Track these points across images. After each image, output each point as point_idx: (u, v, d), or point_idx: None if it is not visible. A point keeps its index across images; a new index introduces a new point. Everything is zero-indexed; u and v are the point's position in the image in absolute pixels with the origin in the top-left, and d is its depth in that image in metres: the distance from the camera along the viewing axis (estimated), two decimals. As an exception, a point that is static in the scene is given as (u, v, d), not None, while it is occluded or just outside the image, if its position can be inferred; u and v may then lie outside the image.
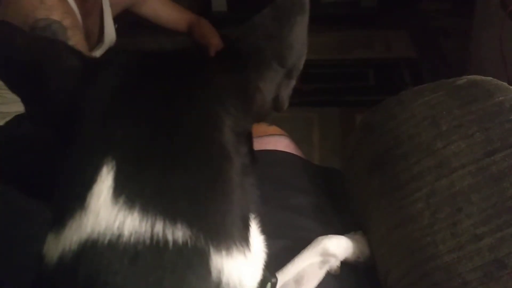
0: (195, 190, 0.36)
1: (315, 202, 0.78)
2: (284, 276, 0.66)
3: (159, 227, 0.34)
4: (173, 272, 0.33)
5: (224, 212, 0.37)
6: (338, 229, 0.73)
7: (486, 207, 0.59)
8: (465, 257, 0.57)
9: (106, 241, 0.33)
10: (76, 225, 0.35)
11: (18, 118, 1.12)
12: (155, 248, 0.33)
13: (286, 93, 0.44)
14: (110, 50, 0.54)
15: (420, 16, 2.66)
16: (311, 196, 0.79)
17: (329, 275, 0.68)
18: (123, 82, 0.40)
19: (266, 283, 0.41)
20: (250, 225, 0.40)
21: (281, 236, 0.70)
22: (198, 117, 0.39)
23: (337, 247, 0.68)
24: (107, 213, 0.34)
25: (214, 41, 1.35)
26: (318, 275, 0.67)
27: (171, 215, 0.34)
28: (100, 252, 0.33)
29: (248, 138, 0.45)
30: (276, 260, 0.67)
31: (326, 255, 0.67)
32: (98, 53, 1.13)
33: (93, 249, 0.33)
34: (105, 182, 0.35)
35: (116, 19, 1.30)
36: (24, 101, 0.44)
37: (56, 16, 0.95)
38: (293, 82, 0.44)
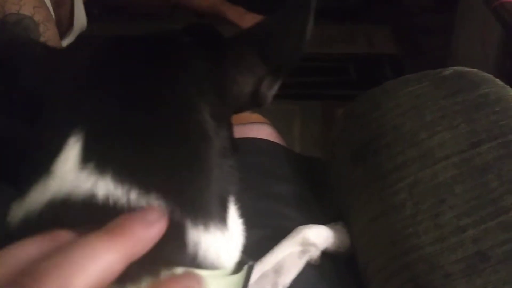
0: (171, 164, 0.35)
1: (297, 191, 0.77)
2: (263, 265, 0.64)
3: (134, 194, 0.32)
4: None
5: (201, 189, 0.36)
6: (319, 219, 0.72)
7: (469, 198, 0.58)
8: (448, 248, 0.57)
9: (74, 199, 0.32)
10: (41, 188, 0.33)
11: None
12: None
13: (268, 91, 0.43)
14: (80, 37, 0.52)
15: (402, 12, 2.66)
16: (293, 185, 0.78)
17: (309, 265, 0.66)
18: (93, 62, 0.39)
19: (243, 266, 0.40)
20: (228, 206, 0.39)
21: (261, 224, 0.69)
22: (174, 97, 0.38)
23: (318, 237, 0.67)
24: (75, 175, 0.33)
25: (242, 24, 1.29)
26: (298, 264, 0.65)
27: (145, 186, 0.33)
28: (66, 208, 0.32)
29: (229, 125, 0.44)
30: (256, 249, 0.65)
31: (306, 244, 0.66)
32: (68, 40, 1.10)
33: (60, 206, 0.32)
34: (72, 150, 0.34)
35: (96, 4, 1.27)
36: None
37: (26, 10, 0.90)
38: (278, 82, 0.43)
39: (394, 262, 0.60)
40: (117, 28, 1.91)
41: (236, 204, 0.42)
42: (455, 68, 0.71)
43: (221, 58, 0.40)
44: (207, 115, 0.39)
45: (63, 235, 0.27)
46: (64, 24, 1.12)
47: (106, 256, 0.24)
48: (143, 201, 0.32)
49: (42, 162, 0.34)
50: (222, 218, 0.37)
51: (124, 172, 0.33)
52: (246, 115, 0.89)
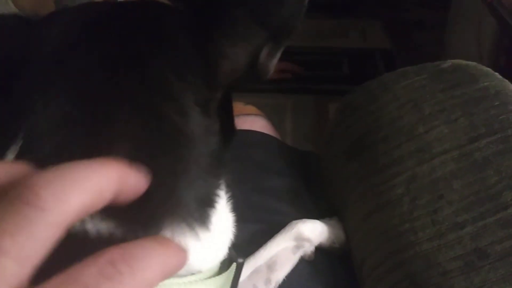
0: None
1: (291, 186, 0.76)
2: (256, 261, 0.63)
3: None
4: None
5: (175, 191, 0.32)
6: (314, 214, 0.70)
7: (468, 194, 0.57)
8: (446, 245, 0.55)
9: None
10: None
11: None
12: None
13: (269, 60, 0.36)
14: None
15: (396, 7, 2.65)
16: (287, 179, 0.76)
17: (303, 261, 0.65)
18: (65, 38, 0.35)
19: (231, 264, 0.38)
20: (213, 206, 0.34)
21: (255, 219, 0.67)
22: (143, 85, 0.33)
23: (312, 232, 0.65)
24: None
25: None
26: (292, 260, 0.64)
27: None
28: None
29: (224, 108, 0.39)
30: (249, 244, 0.64)
31: (300, 239, 0.65)
32: None
33: None
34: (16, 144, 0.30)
35: None
36: None
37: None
38: (281, 48, 0.36)
39: (390, 259, 0.59)
40: None
41: (228, 198, 0.38)
42: (454, 61, 0.69)
43: (205, 29, 0.34)
44: (189, 102, 0.34)
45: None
46: None
47: (99, 178, 0.23)
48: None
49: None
50: (201, 220, 0.33)
51: None
52: (240, 106, 0.88)
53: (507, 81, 0.65)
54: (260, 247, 0.64)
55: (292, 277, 0.63)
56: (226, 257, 0.37)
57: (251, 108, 0.88)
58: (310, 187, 0.77)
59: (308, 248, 0.66)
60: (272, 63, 0.37)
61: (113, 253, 0.21)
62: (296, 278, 0.64)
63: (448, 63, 0.68)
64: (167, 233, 0.30)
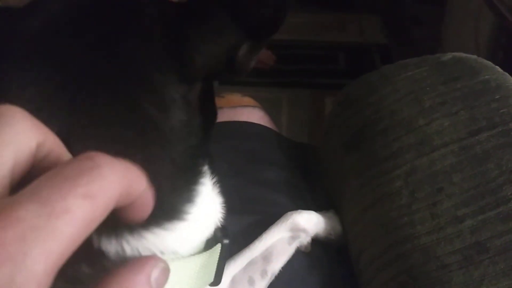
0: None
1: (288, 177, 0.75)
2: (252, 252, 0.62)
3: None
4: None
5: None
6: (310, 206, 0.69)
7: (468, 188, 0.56)
8: (445, 239, 0.55)
9: None
10: None
11: None
12: None
13: (248, 57, 0.35)
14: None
15: (393, 2, 2.64)
16: (284, 171, 0.76)
17: (299, 252, 0.64)
18: (47, 26, 0.34)
19: (215, 243, 0.37)
20: (190, 198, 0.34)
21: (251, 211, 0.66)
22: (124, 74, 0.33)
23: (307, 222, 0.65)
24: None
25: None
26: (288, 251, 0.63)
27: None
28: None
29: (205, 99, 0.38)
30: (245, 236, 0.63)
31: (295, 230, 0.64)
32: None
33: None
34: None
35: None
36: None
37: None
38: (260, 46, 0.35)
39: (388, 252, 0.58)
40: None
41: (214, 183, 0.38)
42: (454, 53, 0.69)
43: (182, 24, 0.34)
44: (169, 94, 0.33)
45: None
46: None
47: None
48: None
49: None
50: (178, 213, 0.33)
51: None
52: (238, 98, 0.87)
53: (507, 74, 0.64)
54: (255, 238, 0.63)
55: (288, 269, 0.63)
56: (210, 237, 0.37)
57: (248, 100, 0.87)
58: (307, 179, 0.77)
59: (304, 239, 0.65)
60: (252, 60, 0.36)
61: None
62: (293, 270, 0.63)
63: (449, 55, 0.67)
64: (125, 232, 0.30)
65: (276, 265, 0.62)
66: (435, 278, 0.54)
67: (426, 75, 0.65)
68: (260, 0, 0.33)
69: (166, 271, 0.24)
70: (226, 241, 0.38)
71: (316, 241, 0.66)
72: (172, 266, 0.24)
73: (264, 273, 0.61)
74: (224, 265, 0.39)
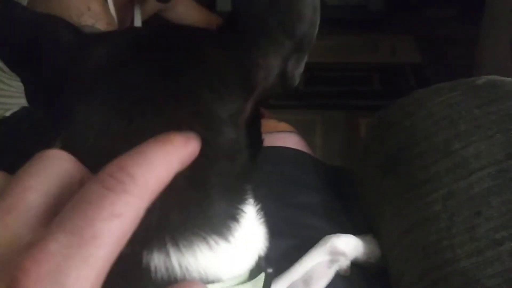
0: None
1: (325, 201, 0.76)
2: (292, 276, 0.63)
3: None
4: None
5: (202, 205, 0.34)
6: (348, 229, 0.70)
7: (506, 210, 0.56)
8: (484, 262, 0.55)
9: None
10: None
11: (24, 110, 1.11)
12: None
13: (295, 69, 0.39)
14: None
15: (426, 22, 2.64)
16: (321, 194, 0.77)
17: (338, 276, 0.65)
18: (111, 57, 0.38)
19: (259, 273, 0.38)
20: (236, 218, 0.35)
21: (289, 234, 0.68)
22: (175, 99, 0.35)
23: (346, 245, 0.66)
24: None
25: None
26: (327, 274, 0.64)
27: None
28: None
29: (253, 123, 0.40)
30: (284, 259, 0.64)
31: (335, 253, 0.65)
32: None
33: None
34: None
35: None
36: (23, 80, 0.43)
37: (101, 25, 0.93)
38: (304, 57, 0.39)
39: (429, 276, 0.59)
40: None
41: (259, 211, 0.39)
42: (488, 77, 0.69)
43: (239, 42, 0.37)
44: (218, 114, 0.35)
45: None
46: None
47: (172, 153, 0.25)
48: None
49: None
50: (218, 232, 0.34)
51: None
52: (274, 124, 0.89)
53: (543, 96, 0.65)
54: (294, 262, 0.65)
55: (328, 293, 0.64)
56: (254, 267, 0.37)
57: (284, 125, 0.89)
58: (344, 203, 0.78)
59: (343, 263, 0.66)
60: (298, 72, 0.40)
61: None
62: (332, 294, 0.64)
63: (483, 79, 0.68)
64: (170, 245, 0.31)
65: (316, 289, 0.63)
66: (475, 301, 0.54)
67: (461, 99, 0.66)
68: (300, 16, 0.36)
69: None
70: (270, 271, 0.38)
71: (355, 264, 0.67)
72: None
73: (304, 296, 0.62)
74: None
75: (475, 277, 0.55)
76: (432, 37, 2.54)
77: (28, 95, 0.43)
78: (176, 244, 0.31)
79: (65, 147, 0.29)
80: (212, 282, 0.33)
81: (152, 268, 0.30)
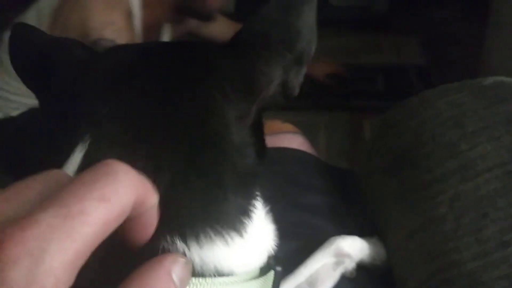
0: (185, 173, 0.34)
1: (329, 202, 0.76)
2: (297, 278, 0.63)
3: None
4: None
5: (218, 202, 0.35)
6: (352, 231, 0.70)
7: (513, 212, 0.56)
8: (491, 265, 0.54)
9: None
10: None
11: (31, 111, 1.11)
12: None
13: (295, 79, 0.43)
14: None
15: (430, 22, 2.63)
16: (325, 195, 0.76)
17: (344, 278, 0.65)
18: (121, 68, 0.40)
19: (269, 271, 0.39)
20: (248, 213, 0.37)
21: (294, 236, 0.67)
22: (191, 102, 0.38)
23: (352, 247, 0.65)
24: None
25: None
26: (333, 276, 0.64)
27: None
28: None
29: (257, 128, 0.42)
30: (289, 261, 0.64)
31: (340, 255, 0.65)
32: None
33: None
34: (76, 157, 0.34)
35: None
36: (36, 94, 0.45)
37: (122, 41, 0.93)
38: (303, 69, 0.43)
39: (434, 278, 0.58)
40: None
41: (267, 211, 0.40)
42: (496, 77, 0.69)
43: (245, 53, 0.40)
44: (230, 117, 0.38)
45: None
46: None
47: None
48: None
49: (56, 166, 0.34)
50: (233, 226, 0.35)
51: None
52: (278, 125, 0.88)
53: (551, 97, 0.64)
54: (299, 264, 0.64)
55: (333, 295, 0.63)
56: (264, 265, 0.39)
57: (289, 126, 0.89)
58: (348, 205, 0.77)
59: (349, 265, 0.65)
60: (298, 82, 0.43)
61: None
62: (338, 296, 0.63)
63: (490, 80, 0.68)
64: (191, 238, 0.32)
65: (322, 291, 0.63)
66: (482, 304, 0.54)
67: (468, 100, 0.65)
68: (299, 33, 0.40)
69: (187, 266, 0.25)
70: (279, 269, 0.39)
71: (360, 267, 0.66)
72: None
73: (309, 298, 0.62)
74: None
75: (481, 280, 0.54)
76: (436, 37, 2.53)
77: (42, 108, 0.45)
78: (196, 237, 0.32)
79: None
80: (226, 275, 0.34)
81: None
